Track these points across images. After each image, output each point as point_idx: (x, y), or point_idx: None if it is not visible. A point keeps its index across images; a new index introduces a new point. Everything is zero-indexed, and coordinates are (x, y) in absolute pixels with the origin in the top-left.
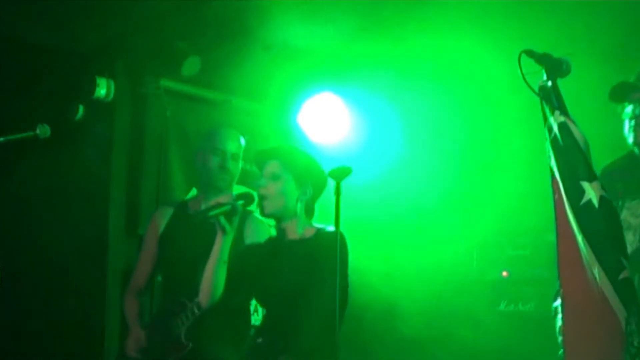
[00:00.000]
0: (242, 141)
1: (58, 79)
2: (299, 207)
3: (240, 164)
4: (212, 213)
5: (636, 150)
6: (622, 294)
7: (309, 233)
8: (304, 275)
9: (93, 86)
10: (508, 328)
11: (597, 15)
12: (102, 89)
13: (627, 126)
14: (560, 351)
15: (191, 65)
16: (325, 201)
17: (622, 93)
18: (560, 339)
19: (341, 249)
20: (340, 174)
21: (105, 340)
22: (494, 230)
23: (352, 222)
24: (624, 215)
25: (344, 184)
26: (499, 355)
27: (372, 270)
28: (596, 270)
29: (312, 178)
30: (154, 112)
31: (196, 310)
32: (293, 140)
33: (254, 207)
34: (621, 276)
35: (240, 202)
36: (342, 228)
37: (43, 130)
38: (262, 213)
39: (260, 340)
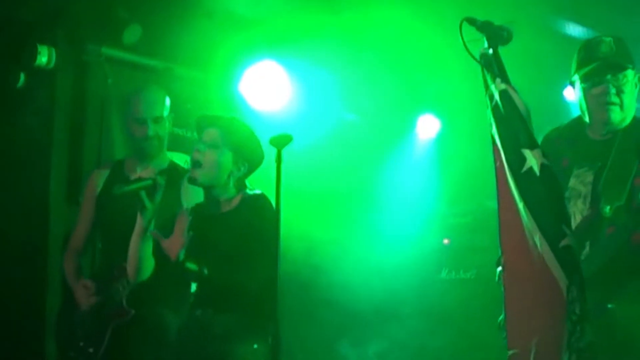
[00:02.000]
0: (167, 101)
1: None
2: (231, 182)
3: (167, 125)
4: (130, 187)
5: (586, 116)
6: (563, 262)
7: (235, 202)
8: (236, 246)
9: (34, 54)
10: (450, 295)
11: None
12: (44, 56)
13: (589, 103)
14: (501, 317)
15: (132, 33)
16: (266, 168)
17: (598, 72)
18: None
19: (266, 214)
20: (281, 142)
21: (46, 307)
22: (435, 197)
23: (292, 189)
24: (572, 183)
25: (284, 152)
26: (441, 323)
27: (312, 237)
28: (537, 238)
29: (248, 155)
30: (96, 80)
31: None
32: (234, 108)
33: None
34: (562, 244)
35: (163, 178)
36: (282, 195)
37: None
38: (193, 181)
39: (199, 312)
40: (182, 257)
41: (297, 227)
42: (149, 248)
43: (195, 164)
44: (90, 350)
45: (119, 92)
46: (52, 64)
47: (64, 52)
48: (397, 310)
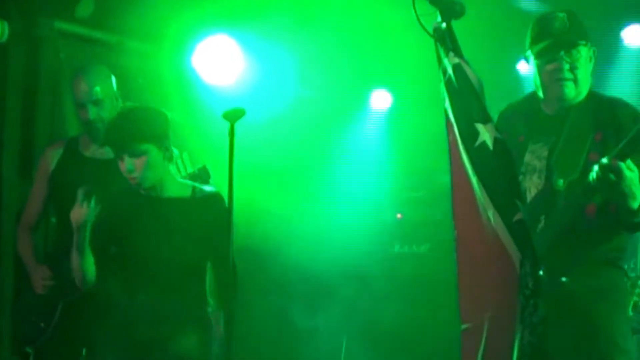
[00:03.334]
0: (112, 80)
1: None
2: (166, 164)
3: (114, 104)
4: None
5: (540, 92)
6: (516, 236)
7: (185, 192)
8: (182, 237)
9: None
10: (402, 269)
11: None
12: None
13: (543, 79)
14: None
15: (85, 7)
16: (219, 143)
17: (551, 49)
18: None
19: (223, 213)
20: (234, 116)
21: None
22: (388, 171)
23: (244, 163)
24: (528, 158)
25: (237, 125)
26: (393, 296)
27: (263, 211)
28: (490, 213)
29: (164, 131)
30: (48, 54)
31: None
32: (186, 82)
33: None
34: (515, 218)
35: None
36: (234, 169)
37: None
38: (140, 188)
39: (142, 297)
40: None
41: (248, 200)
42: (90, 259)
43: (136, 181)
44: (42, 324)
45: (71, 67)
46: (4, 38)
47: (16, 26)
48: (349, 283)
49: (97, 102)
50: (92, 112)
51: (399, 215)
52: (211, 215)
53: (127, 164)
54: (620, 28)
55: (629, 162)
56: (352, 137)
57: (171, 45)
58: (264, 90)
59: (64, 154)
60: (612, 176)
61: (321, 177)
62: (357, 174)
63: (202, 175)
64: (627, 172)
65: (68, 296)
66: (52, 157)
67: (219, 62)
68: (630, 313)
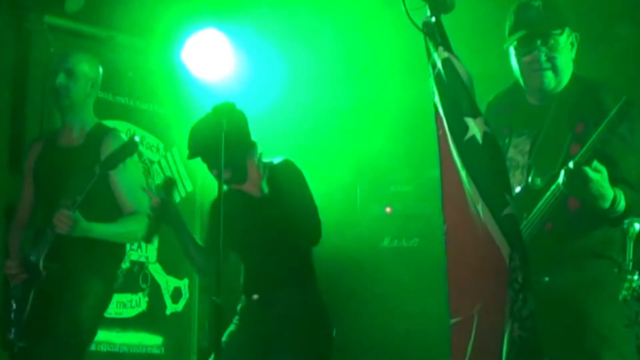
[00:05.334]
0: (94, 66)
1: None
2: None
3: (88, 88)
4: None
5: (521, 83)
6: (505, 230)
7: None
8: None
9: None
10: (392, 263)
11: None
12: None
13: (523, 69)
14: None
15: (75, 2)
16: None
17: (527, 40)
18: None
19: (298, 177)
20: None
21: None
22: (378, 165)
23: None
24: (511, 153)
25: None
26: (382, 290)
27: None
28: (480, 206)
29: (243, 134)
30: (38, 49)
31: (49, 238)
32: (176, 77)
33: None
34: (505, 212)
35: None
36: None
37: None
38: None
39: (256, 296)
40: None
41: None
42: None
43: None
44: (18, 311)
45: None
46: None
47: (6, 20)
48: (338, 277)
49: (69, 72)
50: (60, 78)
51: (388, 209)
52: (287, 184)
53: (215, 173)
54: None
55: (595, 163)
56: (342, 131)
57: (161, 40)
58: (254, 84)
59: (44, 147)
60: (577, 181)
61: (310, 172)
62: (347, 168)
63: (167, 187)
64: (592, 175)
65: (36, 281)
66: (35, 152)
67: (208, 56)
68: None
